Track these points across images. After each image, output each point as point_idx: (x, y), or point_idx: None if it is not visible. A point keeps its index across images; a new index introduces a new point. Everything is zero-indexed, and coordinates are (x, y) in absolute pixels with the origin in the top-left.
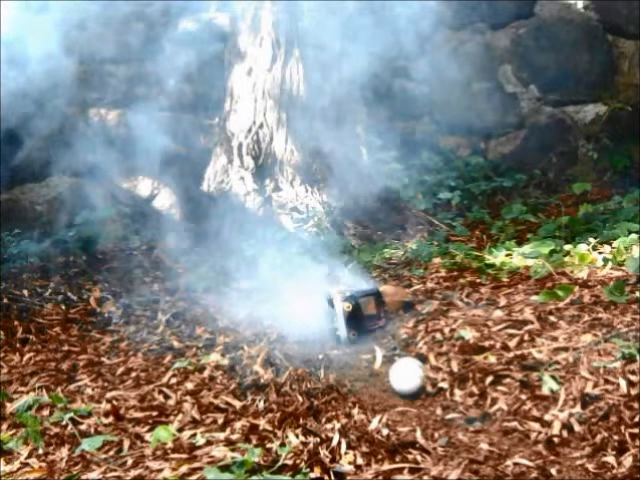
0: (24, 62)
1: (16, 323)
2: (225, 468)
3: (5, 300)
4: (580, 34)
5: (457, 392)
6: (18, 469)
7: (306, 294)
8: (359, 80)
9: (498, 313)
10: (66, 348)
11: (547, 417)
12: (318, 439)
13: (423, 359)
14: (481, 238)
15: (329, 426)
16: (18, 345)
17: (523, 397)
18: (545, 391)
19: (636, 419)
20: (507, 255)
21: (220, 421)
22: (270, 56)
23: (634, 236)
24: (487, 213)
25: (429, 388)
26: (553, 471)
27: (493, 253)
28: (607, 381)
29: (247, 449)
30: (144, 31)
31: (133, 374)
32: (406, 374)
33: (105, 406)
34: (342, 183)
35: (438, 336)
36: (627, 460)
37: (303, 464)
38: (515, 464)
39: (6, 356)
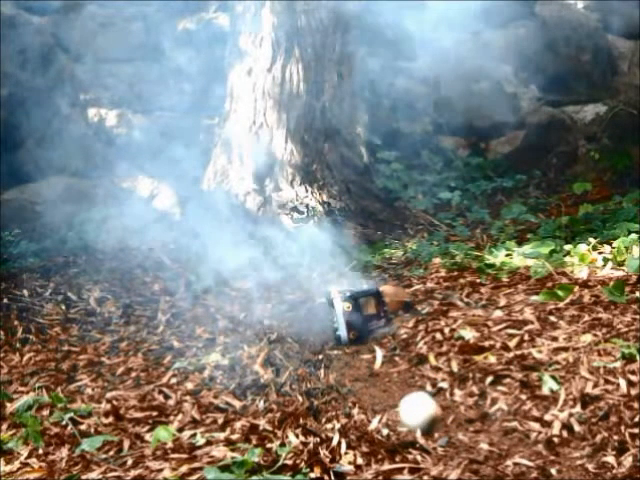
0: None
1: (16, 323)
2: (225, 468)
3: (5, 300)
4: (580, 34)
5: (457, 392)
6: (18, 469)
7: (306, 294)
8: (360, 79)
9: (498, 313)
10: (66, 348)
11: (547, 417)
12: (318, 439)
13: (423, 359)
14: (481, 238)
15: (329, 426)
16: (18, 345)
17: (523, 397)
18: (545, 391)
19: (636, 419)
20: (507, 255)
21: (220, 421)
22: (270, 56)
23: (634, 236)
24: (487, 213)
25: (429, 388)
26: (553, 471)
27: (493, 253)
28: (607, 381)
29: (247, 449)
30: (144, 31)
31: (133, 374)
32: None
33: (105, 406)
34: (342, 183)
35: (438, 336)
36: (627, 460)
37: (303, 464)
38: (515, 464)
39: (6, 356)
